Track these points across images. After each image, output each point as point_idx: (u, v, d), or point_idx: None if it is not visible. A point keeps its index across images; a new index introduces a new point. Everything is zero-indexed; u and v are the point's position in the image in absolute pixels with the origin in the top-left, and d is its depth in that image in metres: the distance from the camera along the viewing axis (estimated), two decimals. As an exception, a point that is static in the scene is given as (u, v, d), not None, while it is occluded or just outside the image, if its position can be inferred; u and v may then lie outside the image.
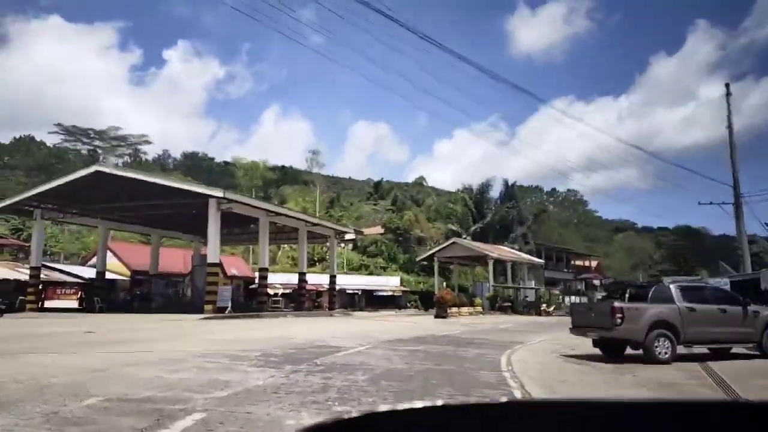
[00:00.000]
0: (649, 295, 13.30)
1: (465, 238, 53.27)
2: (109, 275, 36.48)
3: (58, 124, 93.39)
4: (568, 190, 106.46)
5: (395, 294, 51.98)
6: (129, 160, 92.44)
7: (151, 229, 37.94)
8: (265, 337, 15.52)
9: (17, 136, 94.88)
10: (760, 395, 7.96)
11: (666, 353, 12.25)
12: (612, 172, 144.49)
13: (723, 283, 22.81)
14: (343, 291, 46.76)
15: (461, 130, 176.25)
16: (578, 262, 74.21)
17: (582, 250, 79.46)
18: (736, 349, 13.53)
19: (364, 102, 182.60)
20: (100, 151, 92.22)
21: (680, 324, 12.28)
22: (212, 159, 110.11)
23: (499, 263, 47.87)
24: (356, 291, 49.92)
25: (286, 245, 54.47)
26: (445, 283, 48.82)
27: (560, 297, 52.63)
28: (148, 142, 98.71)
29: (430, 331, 20.30)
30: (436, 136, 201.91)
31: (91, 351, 10.80)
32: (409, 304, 49.66)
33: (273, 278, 47.25)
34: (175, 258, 38.85)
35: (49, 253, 52.19)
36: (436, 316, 32.15)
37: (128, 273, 37.12)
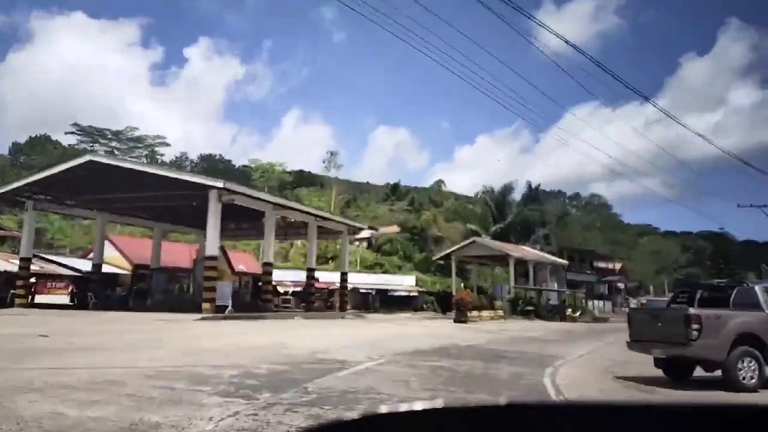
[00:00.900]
0: (731, 299, 10.56)
1: (485, 239, 50.78)
2: (110, 269, 34.52)
3: (75, 124, 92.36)
4: (592, 194, 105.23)
5: (411, 294, 49.71)
6: (145, 162, 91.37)
7: (153, 222, 35.86)
8: (258, 345, 13.13)
9: (32, 135, 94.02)
10: None
11: (752, 378, 9.56)
12: (636, 179, 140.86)
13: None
14: (356, 290, 44.62)
15: (483, 136, 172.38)
16: (601, 264, 71.32)
17: (605, 253, 76.34)
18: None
19: (385, 106, 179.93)
20: (116, 152, 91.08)
21: (770, 339, 9.64)
22: (229, 161, 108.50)
23: (521, 264, 45.45)
24: (370, 290, 47.70)
25: (299, 242, 52.48)
26: (463, 284, 46.54)
27: (584, 301, 49.78)
28: (166, 144, 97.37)
29: (452, 339, 17.78)
30: (458, 143, 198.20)
31: (10, 365, 8.46)
32: (425, 306, 47.26)
33: (284, 275, 45.19)
34: (182, 252, 36.83)
35: (55, 246, 50.84)
36: (456, 320, 29.61)
37: (130, 267, 35.13)
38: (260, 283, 31.07)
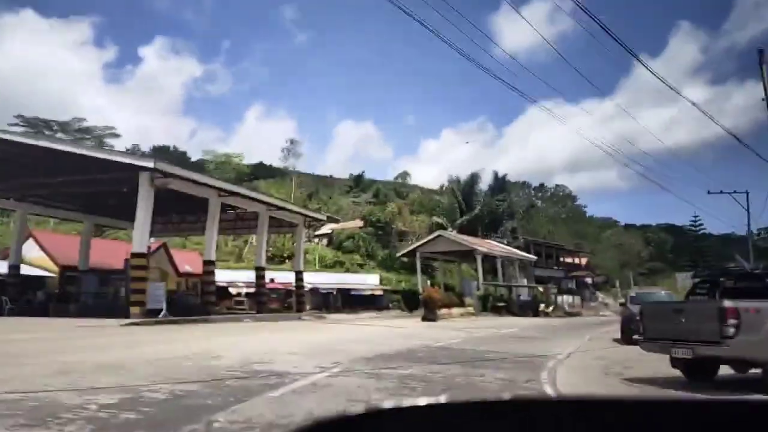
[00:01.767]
0: (769, 289, 8.44)
1: (451, 232, 48.66)
2: (35, 271, 30.64)
3: (19, 116, 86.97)
4: (556, 185, 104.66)
5: (375, 293, 47.22)
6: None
7: (84, 215, 31.68)
8: (178, 355, 10.29)
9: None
10: None
11: (794, 380, 7.71)
12: (596, 172, 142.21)
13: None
14: (316, 290, 41.85)
15: (448, 130, 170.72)
16: (568, 260, 70.42)
17: (571, 246, 75.53)
18: None
19: (349, 101, 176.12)
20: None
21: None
22: (184, 153, 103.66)
23: (488, 259, 43.54)
24: (331, 290, 44.96)
25: (254, 239, 49.23)
26: (429, 282, 44.30)
27: (555, 296, 48.36)
28: (116, 135, 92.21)
29: (421, 339, 15.27)
30: (423, 136, 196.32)
31: None
32: (391, 305, 44.79)
33: (236, 276, 42.05)
34: (118, 251, 32.94)
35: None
36: (424, 319, 27.20)
37: (56, 268, 31.11)
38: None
